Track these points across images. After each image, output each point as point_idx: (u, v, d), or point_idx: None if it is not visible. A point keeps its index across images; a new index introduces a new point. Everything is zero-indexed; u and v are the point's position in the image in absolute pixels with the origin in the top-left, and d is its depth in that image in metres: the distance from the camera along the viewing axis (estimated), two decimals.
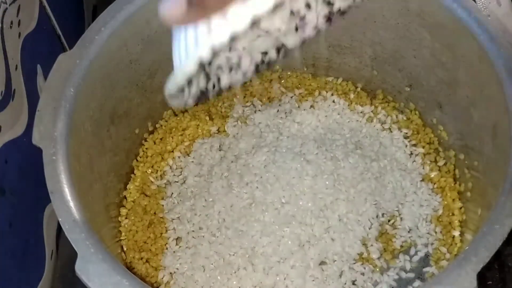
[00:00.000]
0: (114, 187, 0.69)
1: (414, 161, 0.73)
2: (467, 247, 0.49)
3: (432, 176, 0.71)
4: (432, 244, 0.67)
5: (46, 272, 0.65)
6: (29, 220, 0.63)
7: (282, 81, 0.80)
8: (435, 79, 0.69)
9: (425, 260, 0.66)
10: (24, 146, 0.57)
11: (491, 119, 0.60)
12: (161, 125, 0.77)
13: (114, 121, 0.67)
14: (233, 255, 0.65)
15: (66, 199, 0.53)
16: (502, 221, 0.49)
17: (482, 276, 0.62)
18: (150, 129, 0.76)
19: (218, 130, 0.77)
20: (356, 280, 0.65)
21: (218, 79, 0.38)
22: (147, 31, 0.67)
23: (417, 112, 0.75)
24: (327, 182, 0.68)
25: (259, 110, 0.78)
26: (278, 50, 0.37)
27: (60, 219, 0.52)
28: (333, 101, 0.78)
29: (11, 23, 0.61)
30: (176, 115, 0.78)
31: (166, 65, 0.71)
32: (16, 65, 0.61)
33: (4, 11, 0.59)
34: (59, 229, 0.68)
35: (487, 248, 0.48)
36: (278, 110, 0.77)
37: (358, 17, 0.71)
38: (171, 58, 0.40)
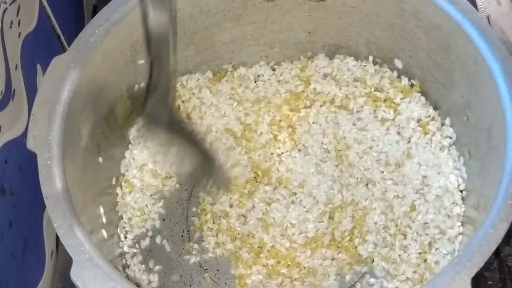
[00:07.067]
0: (110, 190, 0.69)
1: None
2: (461, 252, 0.49)
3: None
4: None
5: (46, 272, 0.66)
6: (29, 220, 0.63)
7: None
8: (430, 80, 0.69)
9: None
10: (24, 146, 0.57)
11: (486, 120, 0.60)
12: None
13: (110, 123, 0.67)
14: None
15: (61, 204, 0.53)
16: (497, 226, 0.49)
17: (482, 277, 0.62)
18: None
19: None
20: None
21: None
22: (141, 33, 0.67)
23: None
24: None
25: None
26: None
27: (55, 225, 0.52)
28: None
29: (11, 23, 0.61)
30: None
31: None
32: (16, 65, 0.61)
33: (4, 11, 0.59)
34: None
35: (481, 253, 0.47)
36: None
37: (353, 17, 0.71)
38: None
